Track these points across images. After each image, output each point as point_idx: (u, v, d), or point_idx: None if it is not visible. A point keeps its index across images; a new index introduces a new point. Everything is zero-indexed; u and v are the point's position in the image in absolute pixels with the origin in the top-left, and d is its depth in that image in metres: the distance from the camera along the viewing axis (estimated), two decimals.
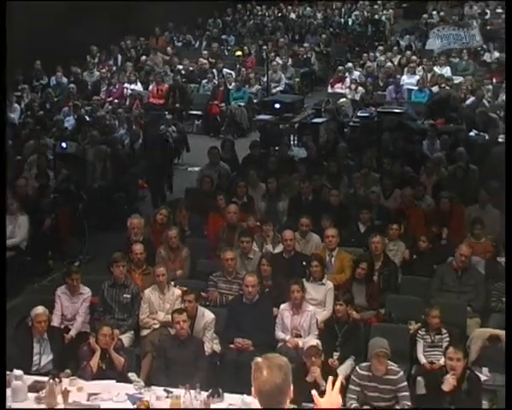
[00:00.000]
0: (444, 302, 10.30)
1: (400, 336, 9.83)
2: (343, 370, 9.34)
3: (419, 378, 9.05)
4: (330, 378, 4.80)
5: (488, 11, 35.18)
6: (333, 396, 4.72)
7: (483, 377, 9.14)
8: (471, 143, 17.32)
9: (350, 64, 25.58)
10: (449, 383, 8.23)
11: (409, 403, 8.16)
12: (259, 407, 4.61)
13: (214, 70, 24.93)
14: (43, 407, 8.10)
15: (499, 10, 35.84)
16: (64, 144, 17.37)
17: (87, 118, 20.05)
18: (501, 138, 17.94)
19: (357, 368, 8.72)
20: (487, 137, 18.10)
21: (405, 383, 8.52)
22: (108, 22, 24.61)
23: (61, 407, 8.08)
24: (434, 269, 11.48)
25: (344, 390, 8.52)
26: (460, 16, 34.82)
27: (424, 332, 9.81)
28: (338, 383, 4.77)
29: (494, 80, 23.34)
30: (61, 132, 18.68)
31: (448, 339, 9.53)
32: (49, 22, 21.79)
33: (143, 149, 17.98)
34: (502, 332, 9.85)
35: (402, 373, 8.57)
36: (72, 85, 22.55)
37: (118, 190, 15.46)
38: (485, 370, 9.46)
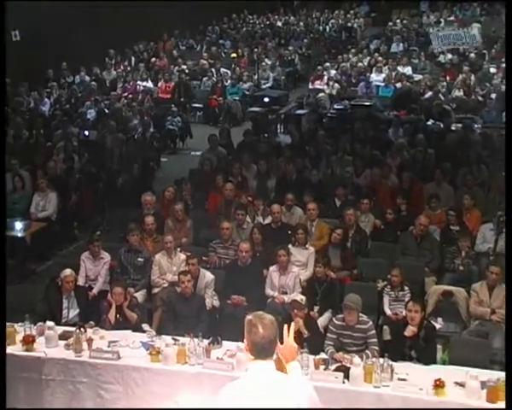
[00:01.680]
0: (405, 264, 10.39)
1: (369, 292, 9.84)
2: (322, 321, 9.39)
3: (385, 327, 9.06)
4: (286, 326, 4.89)
5: (442, 20, 35.34)
6: (289, 342, 4.81)
7: (438, 326, 9.22)
8: (429, 131, 17.41)
9: (327, 64, 25.71)
10: (409, 330, 8.29)
11: (376, 348, 8.20)
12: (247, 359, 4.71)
13: (213, 69, 24.97)
14: (71, 352, 8.14)
15: (451, 18, 35.99)
16: (87, 132, 17.60)
17: (106, 110, 20.10)
18: (453, 127, 18.01)
19: (333, 319, 8.73)
20: (442, 126, 18.16)
21: (374, 331, 8.53)
22: (123, 29, 24.55)
23: (87, 352, 8.12)
24: (398, 236, 11.55)
25: (322, 338, 8.62)
26: (419, 24, 34.92)
27: (389, 289, 9.88)
28: (292, 332, 4.87)
29: (448, 78, 23.38)
30: (84, 123, 18.71)
31: (409, 294, 9.60)
32: (74, 29, 21.73)
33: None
34: (454, 288, 9.94)
35: (371, 323, 8.58)
36: (93, 83, 22.70)
37: (131, 171, 15.48)
38: (439, 319, 9.56)
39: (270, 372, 4.59)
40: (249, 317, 4.69)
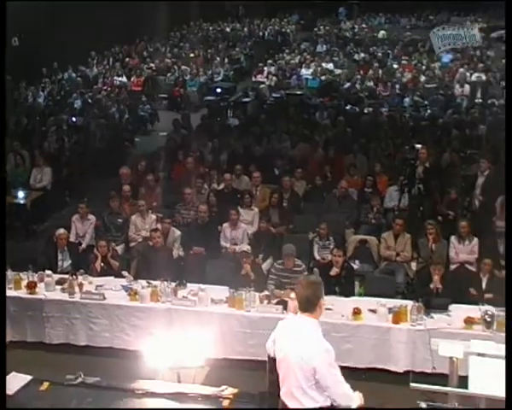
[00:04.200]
0: (330, 219, 10.42)
1: (302, 242, 9.89)
2: (265, 266, 9.46)
3: (315, 269, 9.15)
4: None
5: (356, 26, 35.66)
6: None
7: (355, 267, 9.34)
8: (347, 114, 17.46)
9: (267, 62, 25.60)
10: (334, 271, 8.37)
11: None
12: None
13: (175, 67, 24.77)
14: (66, 294, 8.12)
15: (364, 25, 36.26)
16: (74, 119, 17.37)
17: (89, 101, 19.82)
18: (366, 110, 18.11)
19: (274, 264, 8.78)
20: (357, 110, 18.25)
21: (306, 273, 8.53)
22: (102, 34, 24.29)
23: (78, 294, 8.11)
24: (324, 197, 11.58)
25: (266, 279, 8.67)
26: (338, 29, 35.09)
27: (318, 239, 9.95)
28: None
29: (361, 72, 23.46)
30: (72, 111, 18.49)
31: (333, 243, 9.66)
32: (63, 35, 21.39)
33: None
34: (367, 237, 10.05)
35: (304, 266, 8.64)
36: (79, 79, 22.49)
37: (111, 150, 15.35)
38: (357, 262, 9.65)
39: (300, 321, 4.67)
40: (300, 278, 4.96)
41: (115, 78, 22.99)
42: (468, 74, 22.03)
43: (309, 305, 4.62)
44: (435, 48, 17.68)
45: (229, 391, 6.97)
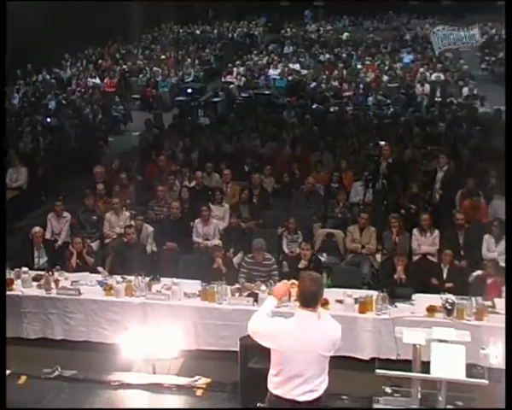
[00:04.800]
0: (298, 214, 10.42)
1: (272, 236, 9.88)
2: (236, 260, 9.43)
3: (284, 262, 9.17)
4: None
5: (321, 28, 35.90)
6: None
7: (323, 259, 9.34)
8: (313, 112, 17.48)
9: (236, 62, 25.58)
10: (302, 264, 8.41)
11: (277, 278, 8.27)
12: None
13: (147, 68, 24.70)
14: (42, 290, 8.03)
15: (328, 27, 36.47)
16: (49, 119, 17.24)
17: (63, 102, 19.66)
18: (332, 109, 18.17)
19: (245, 258, 8.79)
20: (323, 108, 18.29)
21: (276, 266, 8.61)
22: (76, 36, 24.08)
23: (55, 290, 8.03)
24: (292, 193, 11.58)
25: (237, 272, 8.67)
26: (304, 32, 35.27)
27: (286, 233, 9.92)
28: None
29: (327, 72, 23.56)
30: (46, 112, 18.32)
31: (301, 237, 9.65)
32: (37, 37, 21.13)
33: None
34: (334, 230, 10.07)
35: (273, 260, 8.66)
36: (53, 80, 22.30)
37: (85, 149, 15.22)
38: (324, 254, 9.63)
39: (312, 317, 4.61)
40: (302, 273, 4.76)
41: (89, 79, 22.84)
42: (427, 74, 22.29)
43: (314, 300, 4.61)
44: (435, 47, 17.19)
45: (202, 381, 7.01)
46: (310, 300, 4.60)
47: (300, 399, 4.61)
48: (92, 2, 24.15)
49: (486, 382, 5.54)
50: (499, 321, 7.05)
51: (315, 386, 4.65)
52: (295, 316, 4.69)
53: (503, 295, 7.93)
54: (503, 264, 8.83)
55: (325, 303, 7.46)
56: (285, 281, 5.00)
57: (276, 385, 4.68)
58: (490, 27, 34.31)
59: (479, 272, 8.61)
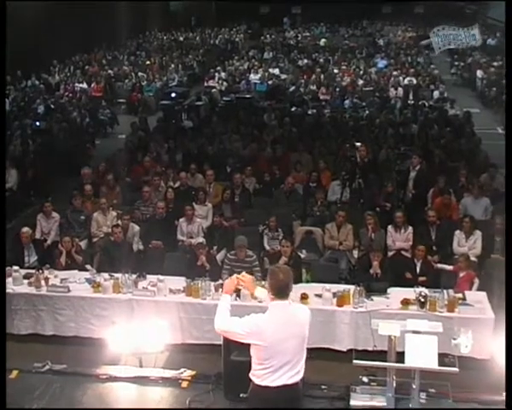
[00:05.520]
0: (279, 212, 10.41)
1: (253, 234, 9.88)
2: (219, 257, 9.42)
3: (265, 259, 9.18)
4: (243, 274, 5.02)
5: (299, 34, 36.00)
6: (247, 279, 5.01)
7: (302, 256, 9.33)
8: (292, 115, 17.52)
9: (218, 68, 25.56)
10: (283, 260, 8.40)
11: (259, 274, 8.30)
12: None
13: (133, 73, 24.69)
14: (32, 288, 7.99)
15: (306, 34, 36.55)
16: (38, 123, 17.12)
17: (52, 106, 19.55)
18: (310, 112, 18.23)
19: (228, 255, 8.79)
20: (302, 111, 18.33)
21: (257, 262, 8.62)
22: (63, 43, 23.98)
23: (45, 288, 7.98)
24: (273, 192, 11.59)
25: (220, 269, 8.67)
26: (283, 38, 35.33)
27: (267, 231, 9.92)
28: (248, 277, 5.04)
29: (305, 77, 23.61)
30: (35, 116, 18.23)
31: (282, 234, 9.63)
32: (25, 44, 20.97)
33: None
34: (313, 228, 10.07)
35: (255, 256, 8.67)
36: (41, 85, 22.11)
37: (73, 152, 15.14)
38: (303, 251, 9.62)
39: (285, 305, 4.65)
40: (271, 267, 4.82)
41: (76, 84, 22.72)
42: (400, 78, 22.44)
43: (287, 290, 4.65)
44: (435, 47, 16.40)
45: (187, 373, 7.02)
46: (283, 291, 4.63)
47: (289, 382, 4.64)
48: (79, 9, 24.08)
49: (457, 370, 5.59)
50: (469, 312, 7.15)
51: (300, 367, 4.70)
52: (271, 309, 4.69)
53: (474, 287, 8.06)
54: (473, 258, 8.98)
55: (305, 297, 7.50)
56: (231, 277, 5.02)
57: (264, 377, 4.66)
58: None
59: (450, 267, 8.69)
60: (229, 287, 4.94)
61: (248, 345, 4.71)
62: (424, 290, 7.44)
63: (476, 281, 8.15)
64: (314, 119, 16.98)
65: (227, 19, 39.76)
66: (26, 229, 9.28)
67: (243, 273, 5.07)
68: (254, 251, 8.88)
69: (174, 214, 10.36)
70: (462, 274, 8.21)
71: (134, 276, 8.06)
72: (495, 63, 25.48)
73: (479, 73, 23.85)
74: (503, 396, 6.38)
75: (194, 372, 7.01)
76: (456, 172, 11.71)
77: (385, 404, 5.86)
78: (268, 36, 35.98)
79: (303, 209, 10.98)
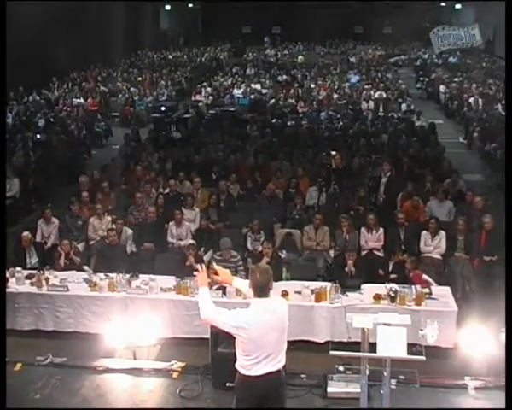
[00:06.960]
0: (261, 216, 10.38)
1: (237, 236, 9.87)
2: (206, 257, 9.41)
3: (249, 259, 9.16)
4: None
5: (279, 53, 36.04)
6: (222, 272, 5.05)
7: (283, 256, 9.32)
8: (273, 127, 17.54)
9: (204, 83, 25.57)
10: (264, 260, 8.40)
11: (243, 273, 8.29)
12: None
13: (126, 89, 24.59)
14: (34, 287, 7.94)
15: (285, 52, 36.65)
16: (38, 136, 17.03)
17: (52, 120, 19.49)
18: (289, 123, 18.27)
19: (214, 256, 8.79)
20: (281, 123, 18.35)
21: (241, 262, 8.62)
22: (62, 62, 23.85)
23: (45, 287, 7.93)
24: (255, 198, 11.59)
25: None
26: (264, 56, 35.42)
27: (251, 233, 9.88)
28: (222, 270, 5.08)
29: (284, 91, 23.68)
30: (36, 129, 18.18)
31: (264, 236, 9.63)
32: (27, 62, 20.84)
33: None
34: (292, 230, 10.04)
35: (239, 257, 8.67)
36: (42, 101, 22.13)
37: (71, 161, 15.08)
38: (284, 251, 9.59)
39: (266, 302, 4.64)
40: (252, 266, 4.82)
41: (74, 99, 22.68)
42: (371, 92, 22.59)
43: (267, 289, 4.63)
44: (435, 47, 15.36)
45: (177, 365, 7.02)
46: (263, 289, 4.62)
47: (273, 369, 4.67)
48: (77, 29, 24.01)
49: (424, 358, 5.63)
50: (435, 306, 7.22)
51: (282, 356, 4.73)
52: (254, 306, 4.68)
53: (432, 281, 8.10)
54: (437, 256, 9.07)
55: (285, 294, 7.51)
56: (200, 270, 4.98)
57: (249, 367, 4.66)
58: (423, 52, 34.96)
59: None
60: (204, 279, 4.93)
61: (234, 338, 4.73)
62: (394, 286, 7.49)
63: (425, 277, 8.09)
64: (293, 130, 17.03)
65: (212, 38, 39.86)
66: (26, 233, 9.25)
67: (218, 267, 5.09)
68: (238, 252, 8.88)
69: (164, 218, 10.34)
70: (411, 274, 8.17)
71: (128, 276, 8.03)
72: (456, 79, 25.80)
73: (441, 88, 24.08)
74: (464, 380, 6.51)
75: (184, 364, 7.00)
76: (422, 178, 11.81)
77: (359, 390, 5.90)
78: (250, 54, 36.08)
79: (283, 213, 10.99)
